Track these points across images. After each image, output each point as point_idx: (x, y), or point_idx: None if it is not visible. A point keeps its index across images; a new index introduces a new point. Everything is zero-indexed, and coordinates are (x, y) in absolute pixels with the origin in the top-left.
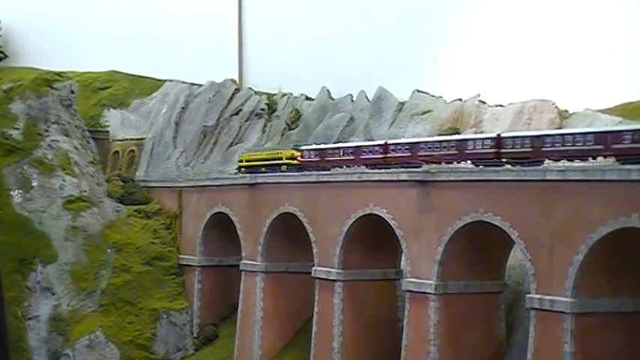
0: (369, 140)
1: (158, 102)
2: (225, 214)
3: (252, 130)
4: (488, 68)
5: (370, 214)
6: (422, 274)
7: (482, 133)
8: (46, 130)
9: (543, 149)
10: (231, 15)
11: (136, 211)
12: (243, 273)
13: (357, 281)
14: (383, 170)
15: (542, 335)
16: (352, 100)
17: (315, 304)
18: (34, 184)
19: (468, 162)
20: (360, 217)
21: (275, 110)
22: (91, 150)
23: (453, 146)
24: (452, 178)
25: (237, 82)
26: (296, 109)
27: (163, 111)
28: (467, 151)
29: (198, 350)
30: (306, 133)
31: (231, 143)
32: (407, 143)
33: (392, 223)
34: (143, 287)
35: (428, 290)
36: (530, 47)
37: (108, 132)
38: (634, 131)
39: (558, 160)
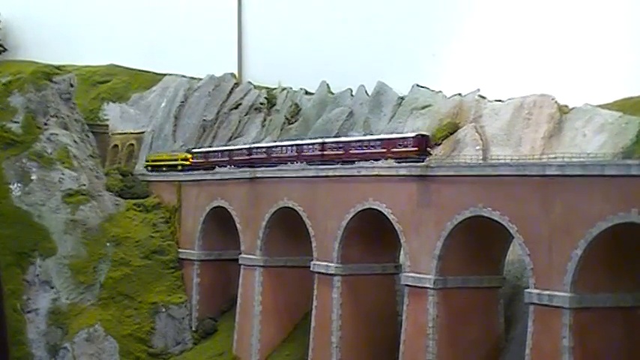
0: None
1: (157, 96)
2: (225, 208)
3: (252, 124)
4: (488, 63)
5: (369, 209)
6: (421, 269)
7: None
8: (46, 124)
9: (351, 152)
10: (230, 9)
11: (135, 204)
12: (242, 267)
13: (356, 276)
14: (382, 165)
15: (540, 330)
16: (352, 95)
17: (314, 298)
18: (34, 177)
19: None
20: (359, 211)
21: (274, 104)
22: (90, 143)
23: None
24: (451, 173)
25: (237, 76)
26: (295, 104)
27: (163, 105)
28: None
29: (197, 344)
30: (306, 128)
31: (231, 137)
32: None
33: (391, 217)
34: (142, 281)
35: (427, 285)
36: (530, 42)
37: (107, 126)
38: (405, 138)
39: (371, 160)
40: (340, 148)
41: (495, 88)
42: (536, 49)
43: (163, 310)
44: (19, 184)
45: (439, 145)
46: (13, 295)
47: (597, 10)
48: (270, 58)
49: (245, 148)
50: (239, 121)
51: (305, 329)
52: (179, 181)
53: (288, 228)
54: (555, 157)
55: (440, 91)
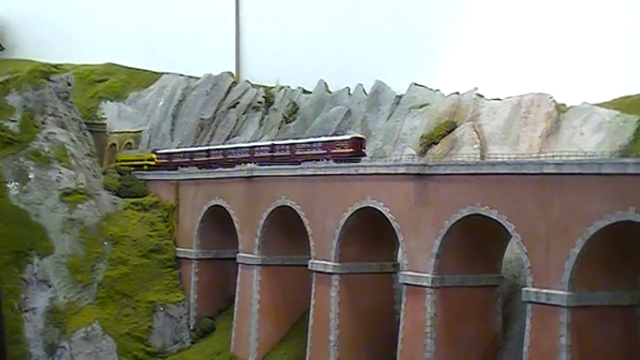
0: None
1: (155, 95)
2: (222, 207)
3: (250, 123)
4: (485, 62)
5: (367, 208)
6: (419, 267)
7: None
8: (43, 123)
9: (297, 153)
10: (228, 8)
11: (132, 203)
12: (240, 266)
13: (354, 274)
14: (380, 163)
15: (538, 328)
16: (349, 94)
17: (312, 297)
18: (31, 176)
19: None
20: (357, 210)
21: (272, 103)
22: (88, 142)
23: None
24: (449, 172)
25: (235, 75)
26: (293, 102)
27: (160, 104)
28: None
29: (195, 343)
30: (304, 126)
31: (229, 136)
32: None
33: (389, 216)
34: (140, 280)
35: (425, 283)
36: (527, 41)
37: (105, 124)
38: (342, 140)
39: (314, 160)
40: (287, 149)
41: (493, 87)
42: (533, 47)
43: (161, 309)
44: (16, 183)
45: (437, 144)
46: (11, 294)
47: (595, 9)
48: (268, 56)
49: (204, 150)
50: (237, 120)
51: (303, 328)
52: (177, 180)
53: (286, 227)
54: (553, 156)
55: (438, 90)
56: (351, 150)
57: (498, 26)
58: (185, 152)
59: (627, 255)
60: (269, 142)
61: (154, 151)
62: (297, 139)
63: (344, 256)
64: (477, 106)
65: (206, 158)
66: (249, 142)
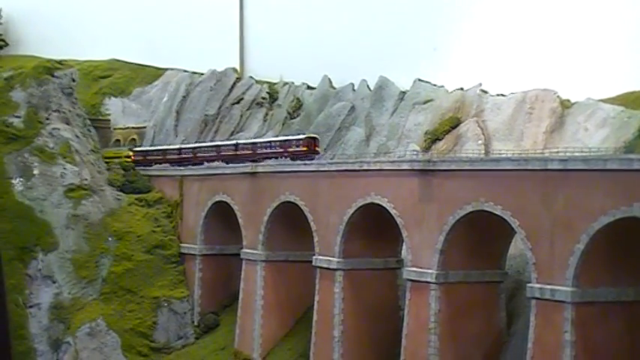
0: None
1: (159, 90)
2: (226, 202)
3: (254, 119)
4: (489, 57)
5: (371, 203)
6: (423, 263)
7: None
8: (47, 119)
9: (257, 152)
10: (232, 4)
11: (137, 199)
12: (244, 262)
13: (358, 270)
14: (384, 159)
15: (542, 324)
16: (353, 89)
17: (316, 292)
18: (35, 172)
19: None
20: (361, 206)
21: (276, 99)
22: (92, 138)
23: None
24: (453, 168)
25: (239, 70)
26: (297, 98)
27: (164, 99)
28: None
29: (199, 338)
30: (308, 122)
31: (233, 132)
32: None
33: (393, 212)
34: (144, 276)
35: (429, 279)
36: (532, 36)
37: (109, 120)
38: (297, 140)
39: (274, 158)
40: (249, 148)
41: (497, 83)
42: (538, 43)
43: (165, 304)
44: (21, 179)
45: (441, 139)
46: (16, 289)
47: (599, 5)
48: (272, 52)
49: (176, 149)
50: (241, 116)
51: (307, 324)
52: (181, 175)
53: (290, 223)
54: (557, 152)
55: (442, 86)
56: (305, 148)
57: (502, 22)
58: (158, 150)
59: (631, 251)
60: (233, 142)
61: (130, 149)
62: (257, 138)
63: (348, 252)
64: (481, 102)
65: (177, 156)
66: (213, 142)
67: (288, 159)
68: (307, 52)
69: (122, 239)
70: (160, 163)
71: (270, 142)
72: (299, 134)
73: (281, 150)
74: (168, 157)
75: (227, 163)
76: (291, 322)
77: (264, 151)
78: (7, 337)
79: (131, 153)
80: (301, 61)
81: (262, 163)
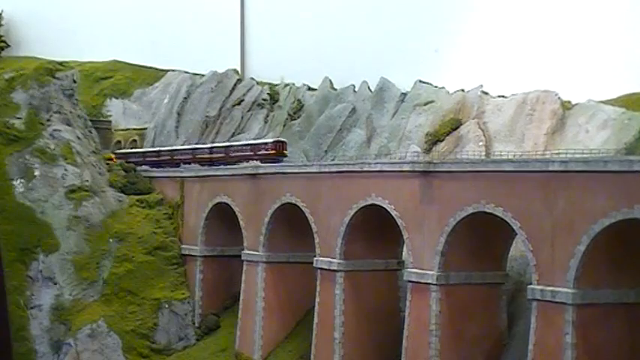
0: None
1: (160, 92)
2: (227, 204)
3: (255, 120)
4: (490, 59)
5: (372, 205)
6: (423, 265)
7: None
8: (48, 120)
9: (230, 155)
10: (233, 5)
11: (138, 200)
12: (244, 263)
13: (359, 272)
14: (385, 161)
15: (543, 326)
16: (354, 91)
17: (317, 294)
18: (36, 173)
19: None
20: (362, 207)
21: (277, 100)
22: (93, 139)
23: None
24: (454, 169)
25: (240, 72)
26: (298, 100)
27: (165, 101)
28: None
29: (200, 340)
30: (309, 124)
31: (234, 133)
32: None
33: (394, 213)
34: (145, 277)
35: (429, 281)
36: (533, 38)
37: (110, 121)
38: (266, 143)
39: (245, 161)
40: (222, 151)
41: (498, 84)
42: (539, 44)
43: (166, 306)
44: (22, 180)
45: (442, 141)
46: (17, 291)
47: (600, 6)
48: (273, 54)
49: (155, 151)
50: (242, 117)
51: (308, 325)
52: (182, 177)
53: (291, 224)
54: (558, 154)
55: (443, 87)
56: (273, 151)
57: (503, 23)
58: (138, 152)
59: (632, 253)
60: (208, 145)
61: (113, 152)
62: (230, 142)
63: (349, 254)
64: (482, 104)
65: (156, 158)
66: (191, 145)
67: (258, 161)
68: (308, 53)
69: (123, 240)
70: (140, 165)
71: (241, 145)
72: (267, 138)
73: (251, 153)
74: (147, 159)
75: (202, 165)
76: (291, 323)
77: (236, 154)
78: (8, 339)
79: (112, 155)
80: (302, 62)
81: (263, 164)
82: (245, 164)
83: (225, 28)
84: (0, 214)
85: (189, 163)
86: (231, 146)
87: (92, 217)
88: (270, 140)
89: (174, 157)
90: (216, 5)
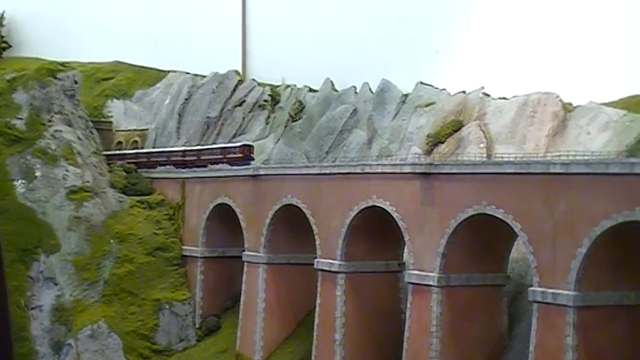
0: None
1: (161, 93)
2: (228, 205)
3: (256, 121)
4: (492, 61)
5: (373, 207)
6: (424, 267)
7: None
8: (50, 121)
9: (202, 158)
10: (235, 6)
11: (138, 201)
12: (245, 264)
13: (360, 273)
14: (386, 162)
15: (544, 328)
16: (356, 92)
17: (318, 295)
18: (38, 174)
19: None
20: (363, 209)
21: (278, 102)
22: (94, 140)
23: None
24: (455, 171)
25: (241, 73)
26: (299, 101)
27: (167, 102)
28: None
29: (201, 341)
30: (310, 125)
31: (235, 134)
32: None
33: (395, 215)
34: (146, 278)
35: (430, 282)
36: (534, 40)
37: (111, 122)
38: (234, 147)
39: (215, 164)
40: (195, 155)
41: (499, 86)
42: (540, 46)
43: (167, 307)
44: (23, 181)
45: (443, 143)
46: (17, 291)
47: (602, 8)
48: (274, 55)
49: (133, 154)
50: (243, 119)
51: (308, 326)
52: (183, 178)
53: (292, 225)
54: (559, 155)
55: (444, 89)
56: (241, 155)
57: (504, 25)
58: (118, 155)
59: (633, 255)
60: (182, 148)
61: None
62: (202, 145)
63: (350, 255)
64: (483, 105)
65: (135, 160)
66: (166, 148)
67: (227, 164)
68: (309, 54)
69: (124, 241)
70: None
71: (212, 149)
72: (236, 142)
73: (221, 156)
74: (127, 160)
75: (176, 167)
76: (292, 324)
77: (207, 157)
78: (8, 339)
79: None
80: (303, 63)
81: (264, 166)
82: (245, 166)
83: (226, 29)
84: (1, 215)
85: (165, 165)
86: (203, 149)
87: (93, 218)
88: (238, 144)
89: (151, 160)
90: (217, 6)
